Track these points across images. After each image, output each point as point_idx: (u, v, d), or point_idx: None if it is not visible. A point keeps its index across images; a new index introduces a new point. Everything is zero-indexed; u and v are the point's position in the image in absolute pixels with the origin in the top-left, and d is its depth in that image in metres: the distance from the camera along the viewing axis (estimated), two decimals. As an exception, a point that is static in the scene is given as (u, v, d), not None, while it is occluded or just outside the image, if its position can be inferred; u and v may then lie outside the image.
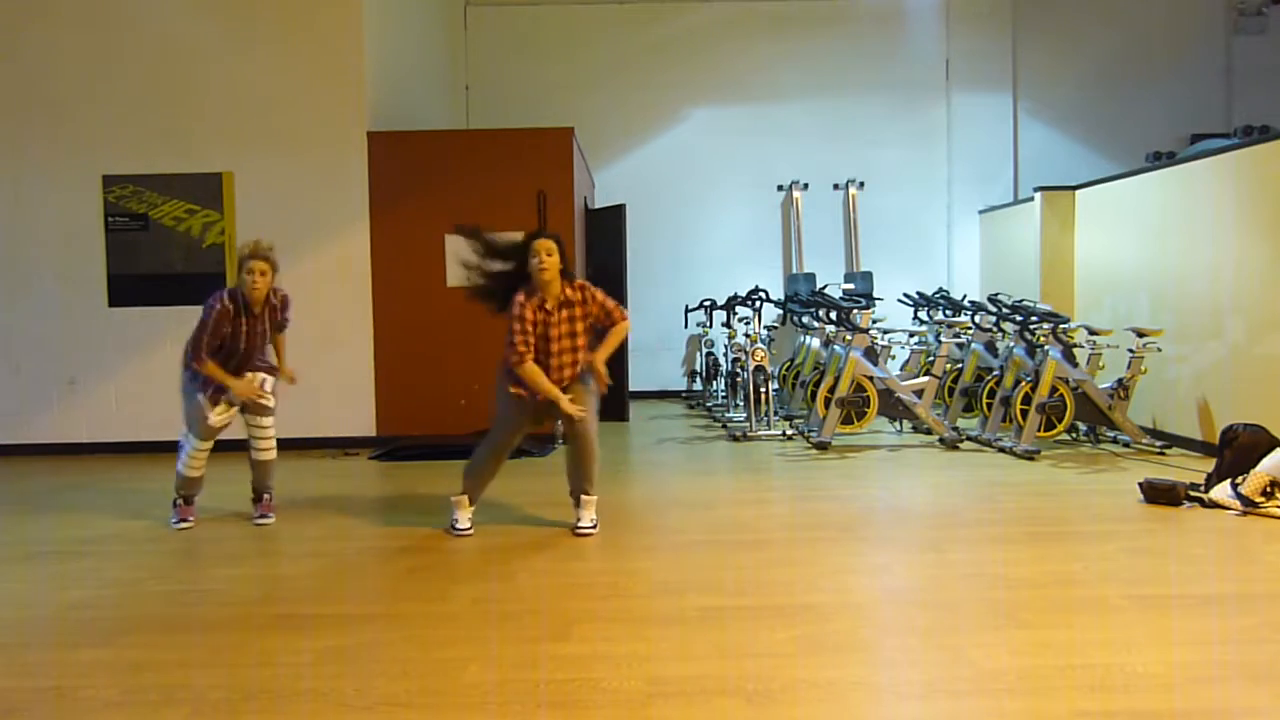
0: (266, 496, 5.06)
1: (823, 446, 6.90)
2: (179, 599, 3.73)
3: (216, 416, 4.81)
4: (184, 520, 4.93)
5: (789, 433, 7.59)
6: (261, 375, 4.91)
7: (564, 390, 4.64)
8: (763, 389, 7.67)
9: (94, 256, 7.31)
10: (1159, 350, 6.66)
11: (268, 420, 4.95)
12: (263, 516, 4.99)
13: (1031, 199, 8.67)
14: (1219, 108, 10.32)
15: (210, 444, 4.89)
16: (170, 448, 7.21)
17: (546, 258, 4.49)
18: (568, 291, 4.58)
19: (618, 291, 8.72)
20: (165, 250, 7.32)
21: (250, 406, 4.88)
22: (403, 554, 4.37)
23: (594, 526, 4.64)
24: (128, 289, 7.32)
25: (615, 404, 8.87)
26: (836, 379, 7.01)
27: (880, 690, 2.81)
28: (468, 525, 4.66)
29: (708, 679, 2.83)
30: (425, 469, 6.38)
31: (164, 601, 3.70)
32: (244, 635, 3.31)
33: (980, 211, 10.30)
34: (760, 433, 7.53)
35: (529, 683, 2.82)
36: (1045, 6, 10.41)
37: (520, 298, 4.53)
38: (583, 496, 4.69)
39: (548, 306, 4.55)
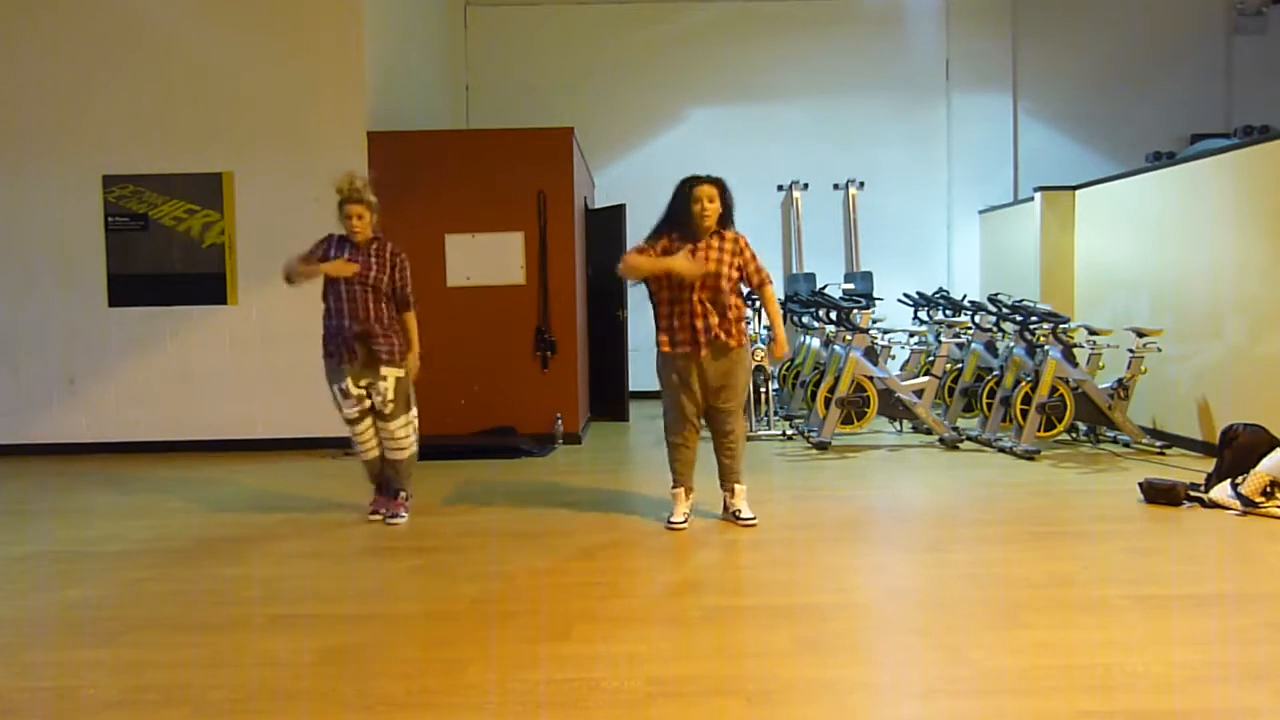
0: (403, 495, 5.03)
1: (823, 446, 6.90)
2: (179, 599, 3.73)
3: (350, 408, 4.80)
4: (375, 512, 4.96)
5: (789, 433, 7.59)
6: (382, 385, 4.80)
7: (714, 356, 4.51)
8: (763, 389, 7.67)
9: (94, 256, 7.31)
10: (1159, 350, 6.66)
11: (393, 424, 4.86)
12: (393, 515, 4.93)
13: (1031, 199, 8.67)
14: (1219, 108, 10.31)
15: (364, 426, 4.85)
16: (169, 448, 7.28)
17: (709, 204, 4.45)
18: (726, 235, 4.54)
19: (618, 291, 8.73)
20: (165, 250, 7.32)
21: (376, 412, 4.85)
22: (403, 554, 4.37)
23: (754, 518, 4.68)
24: (128, 289, 7.32)
25: (615, 404, 8.87)
26: (836, 379, 7.01)
27: (880, 690, 2.81)
28: (681, 519, 4.65)
29: (708, 679, 2.83)
30: (425, 469, 6.35)
31: (164, 601, 3.70)
32: (244, 635, 3.31)
33: (980, 211, 10.30)
34: (760, 433, 7.53)
35: (529, 683, 2.82)
36: (1045, 6, 10.41)
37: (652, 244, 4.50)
38: (735, 486, 4.74)
39: (695, 244, 4.46)
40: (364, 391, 4.81)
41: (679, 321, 4.53)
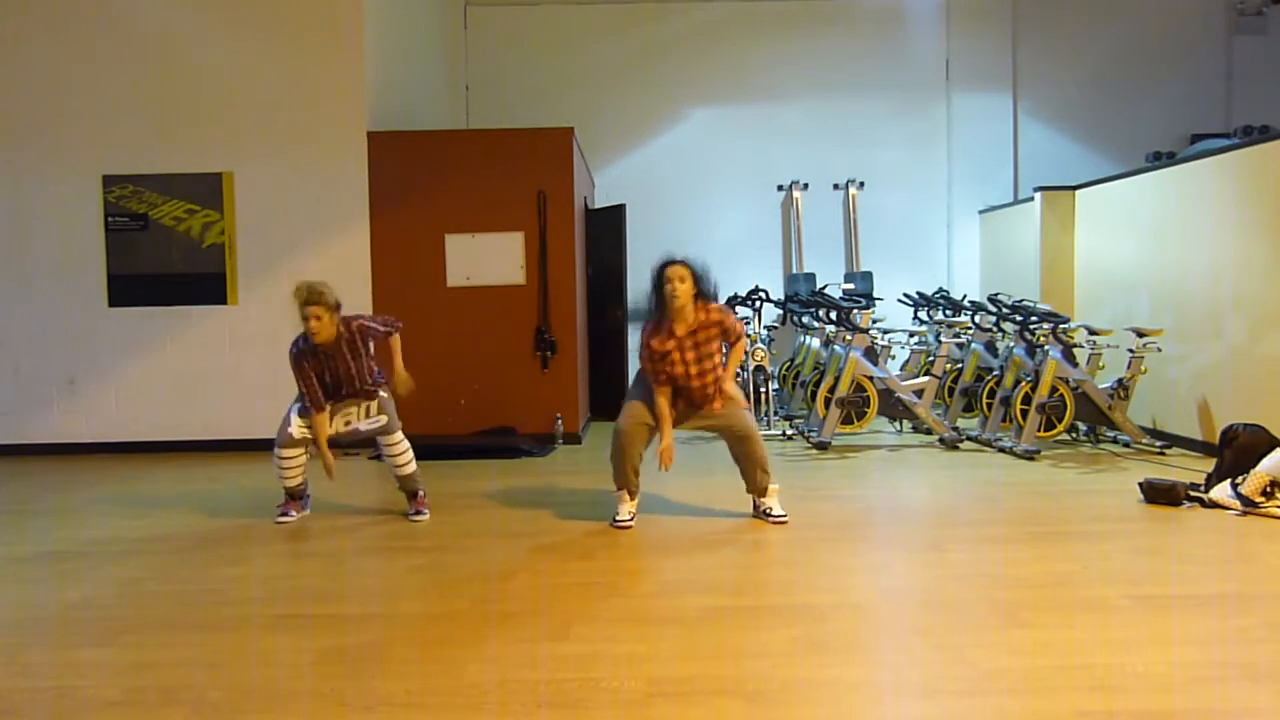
0: (420, 494, 5.09)
1: (823, 446, 6.90)
2: (179, 599, 3.73)
3: (297, 429, 4.84)
4: (285, 515, 4.98)
5: (789, 433, 7.59)
6: (360, 408, 4.92)
7: (709, 404, 4.69)
8: (763, 389, 7.67)
9: (94, 256, 7.31)
10: (1159, 350, 6.66)
11: (394, 438, 4.96)
12: (417, 513, 5.01)
13: (1031, 199, 8.67)
14: (1219, 108, 10.31)
15: (296, 452, 4.88)
16: (168, 448, 7.28)
17: (679, 284, 4.48)
18: (699, 316, 4.57)
19: (618, 292, 8.73)
20: (165, 250, 7.32)
21: (367, 430, 4.95)
22: (403, 554, 4.37)
23: (784, 515, 4.77)
24: (128, 289, 7.32)
25: (615, 404, 8.86)
26: (836, 379, 7.01)
27: (880, 690, 2.81)
28: (627, 518, 4.72)
29: (708, 679, 2.83)
30: (425, 469, 6.35)
31: (164, 601, 3.70)
32: (244, 635, 3.31)
33: (980, 211, 10.30)
34: (760, 433, 7.51)
35: (529, 683, 2.82)
36: (1045, 6, 10.40)
37: (645, 335, 4.61)
38: (764, 492, 4.82)
39: (678, 333, 4.55)
40: (307, 425, 4.86)
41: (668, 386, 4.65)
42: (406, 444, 5.01)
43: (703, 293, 4.57)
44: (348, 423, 4.95)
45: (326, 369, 4.81)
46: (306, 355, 4.79)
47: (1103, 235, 7.97)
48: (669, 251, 4.68)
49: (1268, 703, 2.63)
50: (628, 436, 4.73)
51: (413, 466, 5.03)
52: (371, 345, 4.91)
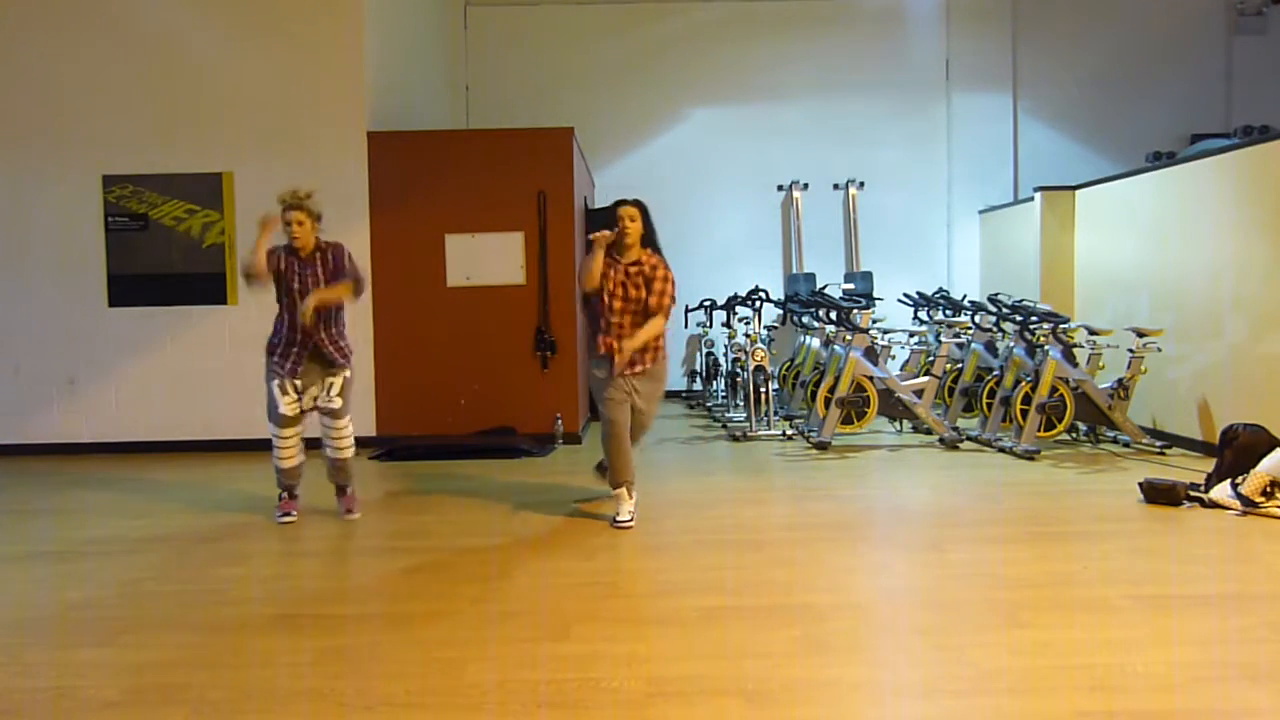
0: (349, 491, 5.07)
1: (823, 446, 6.90)
2: (179, 599, 3.73)
3: (288, 405, 4.82)
4: (286, 514, 4.96)
5: (789, 433, 7.58)
6: (329, 381, 4.89)
7: (632, 377, 4.75)
8: (763, 389, 7.67)
9: (94, 256, 7.31)
10: (1159, 350, 6.66)
11: (340, 421, 4.91)
12: (347, 512, 5.01)
13: (1031, 199, 8.67)
14: (1219, 108, 10.32)
15: (292, 432, 4.87)
16: (168, 448, 7.29)
17: (629, 224, 4.74)
18: (641, 257, 4.76)
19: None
20: (165, 250, 7.32)
21: (321, 408, 4.90)
22: (403, 554, 4.37)
23: (630, 520, 4.72)
24: (128, 289, 7.32)
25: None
26: (836, 379, 7.01)
27: (880, 690, 2.81)
28: (627, 518, 4.71)
29: (708, 679, 2.83)
30: (425, 469, 6.38)
31: (164, 601, 3.70)
32: (244, 635, 3.31)
33: (980, 211, 10.30)
34: (760, 433, 7.53)
35: (529, 683, 2.82)
36: (1045, 6, 10.41)
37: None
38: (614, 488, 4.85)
39: (618, 261, 4.75)
40: (297, 397, 4.84)
41: (603, 335, 4.76)
42: (351, 429, 4.97)
43: (651, 241, 4.82)
44: (326, 388, 4.89)
45: (296, 275, 4.78)
46: (281, 252, 4.80)
47: (1103, 235, 7.97)
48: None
49: (1268, 703, 2.63)
50: (616, 422, 4.73)
51: (350, 452, 4.98)
52: (341, 268, 4.84)
